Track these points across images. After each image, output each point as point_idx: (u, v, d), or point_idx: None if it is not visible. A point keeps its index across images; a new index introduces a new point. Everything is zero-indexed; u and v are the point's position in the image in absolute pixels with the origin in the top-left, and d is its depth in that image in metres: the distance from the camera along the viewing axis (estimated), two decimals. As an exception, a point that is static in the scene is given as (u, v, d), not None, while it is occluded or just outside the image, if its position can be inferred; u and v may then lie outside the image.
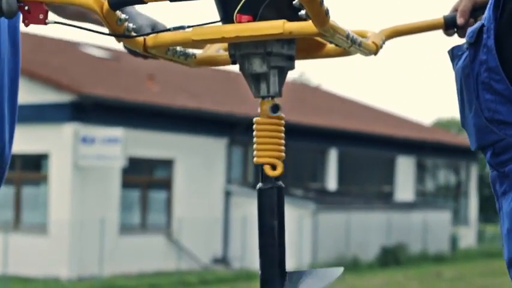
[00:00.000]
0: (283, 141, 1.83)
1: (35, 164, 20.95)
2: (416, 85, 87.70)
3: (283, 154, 1.82)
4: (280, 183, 1.82)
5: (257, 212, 1.83)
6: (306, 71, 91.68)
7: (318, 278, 1.94)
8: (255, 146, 1.83)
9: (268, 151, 1.81)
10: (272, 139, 1.81)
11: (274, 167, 1.80)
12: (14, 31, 2.21)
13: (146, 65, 25.96)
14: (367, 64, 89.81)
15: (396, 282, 20.31)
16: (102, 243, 19.52)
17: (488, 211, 42.96)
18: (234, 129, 23.41)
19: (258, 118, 1.83)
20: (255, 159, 1.82)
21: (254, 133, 1.82)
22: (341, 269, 1.98)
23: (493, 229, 39.57)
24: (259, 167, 1.82)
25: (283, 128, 1.84)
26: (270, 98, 1.83)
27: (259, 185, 1.82)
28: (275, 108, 1.81)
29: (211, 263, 22.49)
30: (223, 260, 22.84)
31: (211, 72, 29.81)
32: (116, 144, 19.24)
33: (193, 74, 28.07)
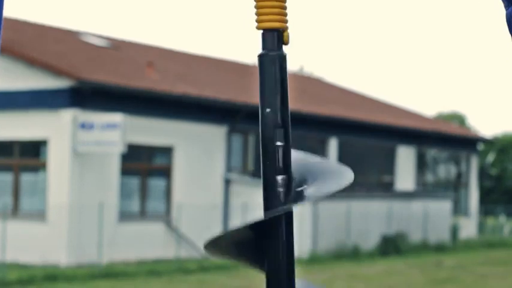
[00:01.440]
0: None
1: (34, 151, 20.84)
2: (417, 79, 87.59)
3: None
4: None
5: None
6: (309, 64, 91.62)
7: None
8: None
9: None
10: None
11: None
12: None
13: (145, 54, 25.88)
14: (367, 61, 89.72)
15: (397, 271, 20.23)
16: (101, 230, 19.42)
17: (489, 204, 42.91)
18: (234, 117, 23.32)
19: None
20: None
21: None
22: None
23: (494, 222, 39.51)
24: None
25: None
26: None
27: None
28: None
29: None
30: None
31: (212, 60, 29.72)
32: (115, 130, 19.12)
33: (193, 62, 27.97)
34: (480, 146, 38.91)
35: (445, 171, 34.54)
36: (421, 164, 32.20)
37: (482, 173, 39.49)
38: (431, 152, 33.00)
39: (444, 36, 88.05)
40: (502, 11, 1.49)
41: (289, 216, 2.14)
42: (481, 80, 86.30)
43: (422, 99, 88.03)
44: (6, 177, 20.85)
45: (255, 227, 2.08)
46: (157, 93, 21.36)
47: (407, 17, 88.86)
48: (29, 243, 19.72)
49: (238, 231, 2.07)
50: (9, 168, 20.83)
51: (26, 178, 20.75)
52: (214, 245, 2.17)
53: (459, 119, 56.39)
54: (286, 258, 2.15)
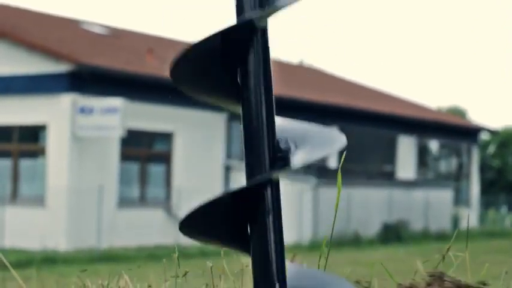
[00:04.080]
0: None
1: (33, 136, 20.72)
2: (417, 73, 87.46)
3: None
4: None
5: None
6: (309, 57, 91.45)
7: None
8: None
9: None
10: None
11: None
12: None
13: (145, 42, 25.77)
14: (367, 55, 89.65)
15: (398, 258, 20.13)
16: (100, 216, 19.32)
17: (490, 196, 42.80)
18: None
19: None
20: None
21: None
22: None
23: (495, 214, 39.40)
24: None
25: None
26: None
27: None
28: None
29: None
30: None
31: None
32: (115, 114, 19.00)
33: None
34: (485, 135, 38.82)
35: (446, 162, 34.44)
36: (422, 154, 32.10)
37: (484, 165, 39.34)
38: (432, 142, 32.90)
39: (444, 30, 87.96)
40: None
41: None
42: (482, 74, 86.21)
43: (422, 93, 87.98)
44: (5, 163, 20.75)
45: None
46: (158, 79, 21.25)
47: (409, 12, 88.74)
48: (28, 229, 19.62)
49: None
50: (8, 154, 20.73)
51: (25, 163, 20.64)
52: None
53: (460, 113, 56.29)
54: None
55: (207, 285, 2.46)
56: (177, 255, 2.57)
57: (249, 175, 1.91)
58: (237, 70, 1.87)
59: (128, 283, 2.61)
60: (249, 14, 1.86)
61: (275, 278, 1.82)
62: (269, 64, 1.83)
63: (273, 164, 1.88)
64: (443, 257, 2.46)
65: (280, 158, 1.89)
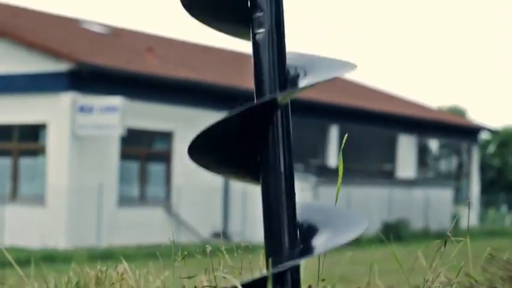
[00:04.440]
0: None
1: (33, 135, 20.71)
2: (417, 73, 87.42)
3: None
4: None
5: None
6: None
7: None
8: None
9: None
10: None
11: None
12: None
13: (145, 41, 25.75)
14: (366, 55, 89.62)
15: (398, 257, 20.12)
16: (100, 215, 19.31)
17: (490, 196, 42.78)
18: (234, 102, 23.17)
19: None
20: None
21: None
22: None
23: (495, 214, 39.38)
24: None
25: None
26: None
27: None
28: None
29: (211, 237, 22.28)
30: (222, 235, 22.63)
31: (211, 49, 29.59)
32: (115, 113, 18.99)
33: (192, 50, 27.85)
34: (485, 135, 38.80)
35: (446, 161, 34.42)
36: (422, 153, 32.09)
37: (484, 164, 39.30)
38: (432, 142, 32.89)
39: (444, 30, 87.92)
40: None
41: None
42: (482, 74, 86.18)
43: (423, 92, 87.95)
44: (5, 162, 20.74)
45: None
46: (158, 78, 21.23)
47: (409, 11, 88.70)
48: (27, 228, 19.61)
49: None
50: (8, 152, 20.72)
51: (25, 162, 20.63)
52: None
53: (460, 113, 56.25)
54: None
55: (206, 269, 2.47)
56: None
57: (268, 257, 1.88)
58: (257, 150, 1.85)
59: (127, 269, 2.62)
60: (270, 96, 1.83)
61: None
62: (290, 144, 1.81)
63: (293, 248, 1.87)
64: (445, 242, 2.46)
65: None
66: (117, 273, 2.60)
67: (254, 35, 1.90)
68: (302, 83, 1.93)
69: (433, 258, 2.60)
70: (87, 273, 2.44)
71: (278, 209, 1.88)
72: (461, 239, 2.52)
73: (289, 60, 1.95)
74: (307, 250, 1.90)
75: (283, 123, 1.87)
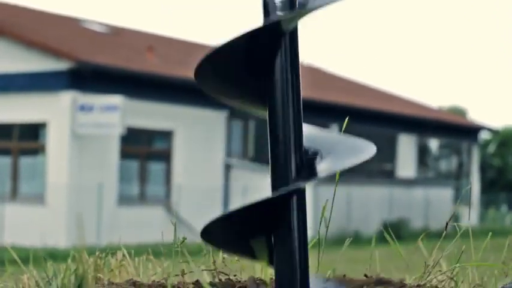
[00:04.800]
0: None
1: (33, 133, 20.71)
2: (417, 73, 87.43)
3: None
4: None
5: None
6: (311, 54, 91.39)
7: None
8: None
9: None
10: None
11: None
12: None
13: (145, 40, 25.74)
14: (366, 55, 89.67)
15: (398, 255, 20.13)
16: (100, 214, 19.30)
17: (491, 195, 42.78)
18: (234, 101, 23.20)
19: None
20: None
21: None
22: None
23: (496, 213, 39.38)
24: None
25: None
26: None
27: None
28: None
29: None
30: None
31: (212, 46, 29.58)
32: (115, 112, 18.99)
33: (193, 49, 27.84)
34: (485, 134, 38.78)
35: (447, 160, 34.41)
36: (422, 153, 32.08)
37: (484, 164, 39.30)
38: (432, 141, 32.87)
39: (444, 29, 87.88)
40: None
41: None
42: (482, 74, 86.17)
43: (423, 92, 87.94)
44: (5, 160, 20.73)
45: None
46: (158, 77, 21.23)
47: (410, 11, 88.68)
48: (27, 226, 19.60)
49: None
50: (8, 151, 20.72)
51: (25, 161, 20.63)
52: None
53: (460, 112, 56.23)
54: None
55: (205, 255, 2.47)
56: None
57: (274, 184, 1.86)
58: (264, 74, 1.81)
59: (126, 255, 2.63)
60: (276, 16, 1.78)
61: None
62: (298, 70, 1.78)
63: (299, 173, 1.85)
64: (446, 228, 2.46)
65: (307, 166, 1.86)
66: (116, 259, 2.60)
67: None
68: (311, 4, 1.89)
69: (432, 249, 2.60)
70: (86, 260, 2.43)
71: (285, 135, 1.86)
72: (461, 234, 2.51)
73: None
74: (312, 174, 1.89)
75: (291, 47, 1.83)
